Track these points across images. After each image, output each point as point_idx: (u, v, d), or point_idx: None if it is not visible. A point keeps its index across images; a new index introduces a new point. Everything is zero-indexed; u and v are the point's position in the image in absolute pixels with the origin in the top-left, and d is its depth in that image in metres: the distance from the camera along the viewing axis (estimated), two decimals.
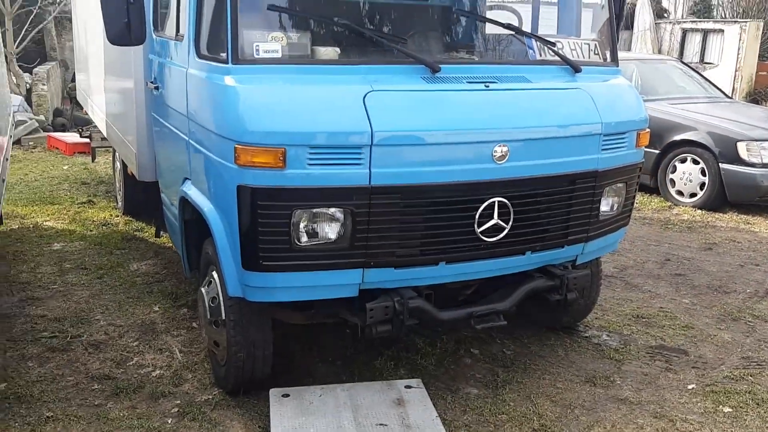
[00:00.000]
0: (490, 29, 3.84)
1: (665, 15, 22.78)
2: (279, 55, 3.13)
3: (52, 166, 9.45)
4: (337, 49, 3.34)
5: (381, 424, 3.23)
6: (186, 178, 3.71)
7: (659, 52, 18.43)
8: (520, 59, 3.82)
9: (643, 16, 19.14)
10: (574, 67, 3.65)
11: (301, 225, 3.03)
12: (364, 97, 3.04)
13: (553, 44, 3.71)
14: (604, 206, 3.70)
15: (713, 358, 4.25)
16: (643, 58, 10.07)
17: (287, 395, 3.42)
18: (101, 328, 4.34)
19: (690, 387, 3.89)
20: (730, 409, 3.67)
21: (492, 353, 4.16)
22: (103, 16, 3.31)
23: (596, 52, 3.94)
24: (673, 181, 8.04)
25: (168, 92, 3.94)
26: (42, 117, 12.45)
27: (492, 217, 3.27)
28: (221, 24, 3.14)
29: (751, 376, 4.02)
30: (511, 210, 3.30)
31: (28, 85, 13.37)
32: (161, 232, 5.29)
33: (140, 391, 3.64)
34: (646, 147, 3.88)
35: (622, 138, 3.66)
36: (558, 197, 3.47)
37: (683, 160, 7.94)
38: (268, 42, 3.11)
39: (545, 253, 3.56)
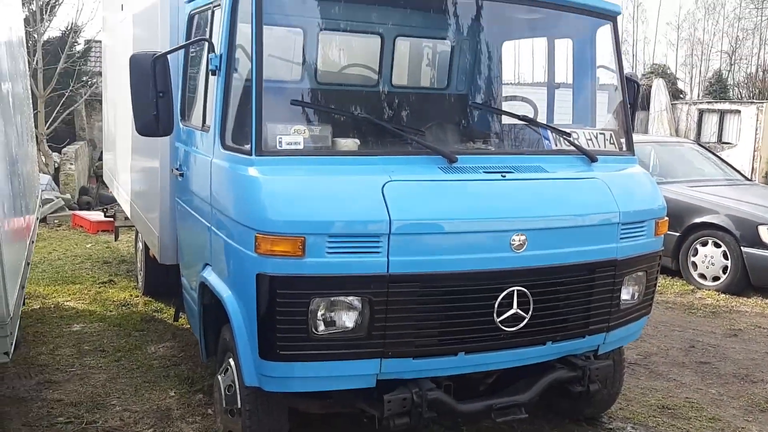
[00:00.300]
0: (506, 120, 3.93)
1: (681, 96, 23.13)
2: (301, 146, 3.22)
3: (76, 245, 9.60)
4: (357, 141, 3.43)
5: None
6: (206, 264, 3.74)
7: (676, 132, 18.63)
8: (536, 149, 3.88)
9: (659, 97, 19.45)
10: (590, 157, 3.70)
11: (319, 313, 3.03)
12: (383, 187, 3.10)
13: (569, 134, 3.78)
14: (625, 295, 3.67)
15: None
16: (660, 141, 10.12)
17: None
18: (116, 414, 4.30)
19: None
20: None
21: None
22: (133, 108, 3.44)
23: (612, 141, 3.99)
24: (695, 264, 7.94)
25: (192, 179, 4.04)
26: (68, 195, 12.75)
27: (511, 307, 3.25)
28: (246, 117, 3.25)
29: None
30: (531, 299, 3.28)
31: (56, 164, 13.75)
32: (180, 315, 5.31)
33: None
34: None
35: (641, 227, 3.66)
36: (578, 286, 3.44)
37: (704, 243, 7.86)
38: (291, 135, 3.21)
39: (566, 343, 3.51)
